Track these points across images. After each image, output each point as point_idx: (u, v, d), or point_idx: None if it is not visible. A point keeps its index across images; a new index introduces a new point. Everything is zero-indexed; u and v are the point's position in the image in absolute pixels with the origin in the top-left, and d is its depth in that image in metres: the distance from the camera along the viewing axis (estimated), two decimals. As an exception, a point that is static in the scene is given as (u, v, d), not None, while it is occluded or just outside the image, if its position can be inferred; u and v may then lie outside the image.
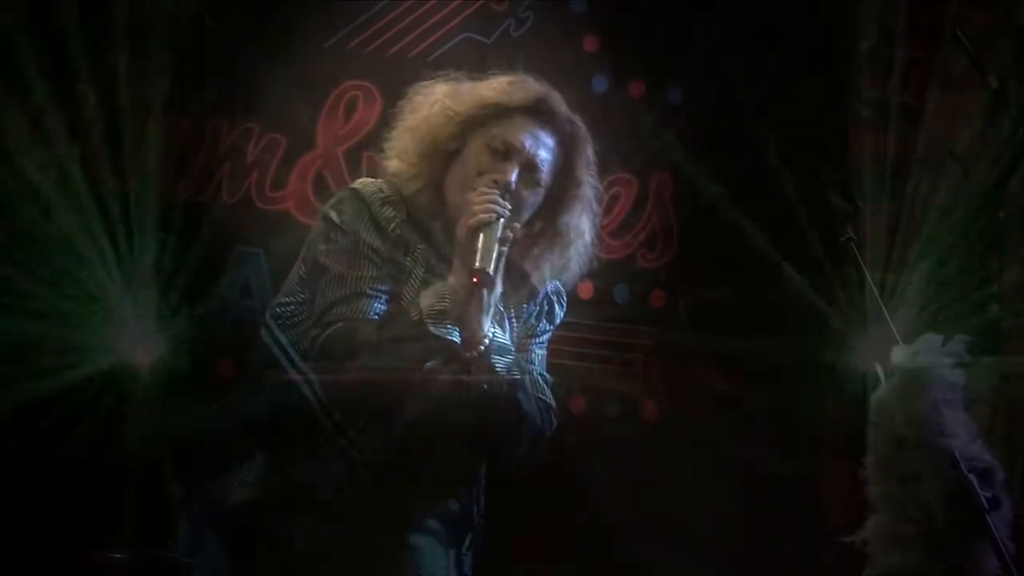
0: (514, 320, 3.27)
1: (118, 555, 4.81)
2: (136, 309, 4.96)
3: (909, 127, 5.74)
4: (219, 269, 5.19)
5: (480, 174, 3.12)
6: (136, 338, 4.98)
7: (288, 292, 3.22)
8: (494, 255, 2.99)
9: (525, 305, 3.31)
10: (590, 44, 5.77)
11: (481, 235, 3.00)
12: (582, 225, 3.28)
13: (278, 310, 3.21)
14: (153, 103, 5.13)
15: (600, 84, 5.72)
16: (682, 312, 5.85)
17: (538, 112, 3.19)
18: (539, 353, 3.35)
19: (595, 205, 3.32)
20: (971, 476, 3.39)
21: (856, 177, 5.73)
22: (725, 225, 5.69)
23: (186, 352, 5.05)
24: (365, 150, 5.37)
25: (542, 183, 3.18)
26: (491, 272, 2.98)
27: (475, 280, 2.97)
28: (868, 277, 3.76)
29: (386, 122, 5.30)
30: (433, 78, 3.30)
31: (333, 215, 3.15)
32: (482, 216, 3.01)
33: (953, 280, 5.31)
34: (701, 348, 5.72)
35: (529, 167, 3.15)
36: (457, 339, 3.01)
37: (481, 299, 3.00)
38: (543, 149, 3.17)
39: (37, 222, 4.85)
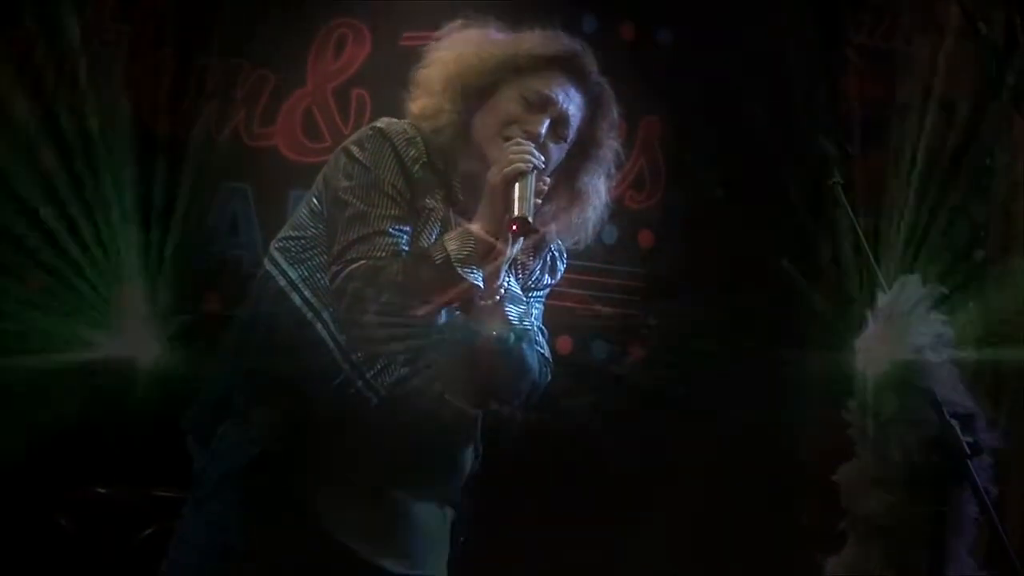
0: (519, 273, 3.27)
1: (103, 491, 4.84)
2: (123, 247, 4.97)
3: (897, 73, 5.75)
4: (206, 205, 5.19)
5: (509, 123, 3.11)
6: (123, 277, 4.99)
7: (298, 226, 3.17)
8: (530, 204, 2.99)
9: (531, 259, 3.31)
10: (581, -15, 5.77)
11: (517, 184, 2.99)
12: (600, 186, 3.29)
13: (287, 244, 3.17)
14: (143, 38, 5.12)
15: (590, 25, 5.69)
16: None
17: (571, 68, 3.18)
18: (538, 307, 3.36)
19: (613, 168, 3.33)
20: (953, 421, 3.40)
21: (844, 122, 5.73)
22: (712, 169, 5.70)
23: (174, 289, 5.06)
24: (354, 88, 5.37)
25: (568, 139, 3.18)
26: (530, 220, 2.98)
27: (514, 228, 2.96)
28: (855, 221, 3.75)
29: (375, 60, 5.42)
30: (466, 23, 3.28)
31: (356, 151, 3.10)
32: (520, 165, 3.00)
33: (939, 226, 5.32)
34: (687, 291, 5.73)
35: (559, 121, 3.14)
36: (482, 284, 3.02)
37: (507, 247, 3.01)
38: (573, 105, 3.16)
39: (22, 159, 4.85)
